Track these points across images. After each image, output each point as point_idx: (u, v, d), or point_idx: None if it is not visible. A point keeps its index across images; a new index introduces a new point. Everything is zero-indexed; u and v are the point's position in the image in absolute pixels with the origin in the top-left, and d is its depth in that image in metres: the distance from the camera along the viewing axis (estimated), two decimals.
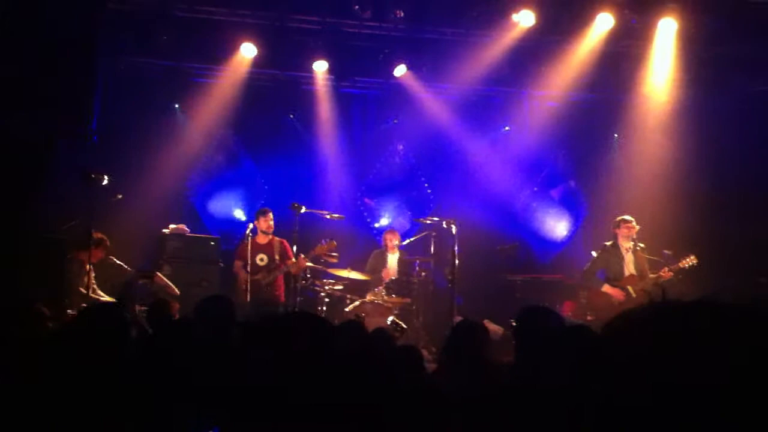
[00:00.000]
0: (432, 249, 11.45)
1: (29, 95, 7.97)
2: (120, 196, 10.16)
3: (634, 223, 10.23)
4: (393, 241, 11.61)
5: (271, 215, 10.77)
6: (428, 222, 11.15)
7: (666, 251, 10.55)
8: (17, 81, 7.93)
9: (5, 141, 8.16)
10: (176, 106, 12.37)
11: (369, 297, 10.81)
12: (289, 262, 10.53)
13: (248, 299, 10.01)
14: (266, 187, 12.97)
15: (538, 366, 3.44)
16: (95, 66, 8.33)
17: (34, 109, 8.00)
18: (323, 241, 10.63)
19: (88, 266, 9.51)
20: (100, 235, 9.67)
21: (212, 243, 11.36)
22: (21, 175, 8.40)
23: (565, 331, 3.96)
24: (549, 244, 13.60)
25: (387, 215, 13.36)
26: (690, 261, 9.88)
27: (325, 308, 10.75)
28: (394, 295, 10.88)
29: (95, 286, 9.62)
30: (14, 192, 8.36)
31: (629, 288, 9.98)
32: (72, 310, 9.11)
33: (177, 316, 6.81)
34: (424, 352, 8.01)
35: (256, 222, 10.73)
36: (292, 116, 13.00)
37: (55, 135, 8.42)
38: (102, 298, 9.57)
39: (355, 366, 1.78)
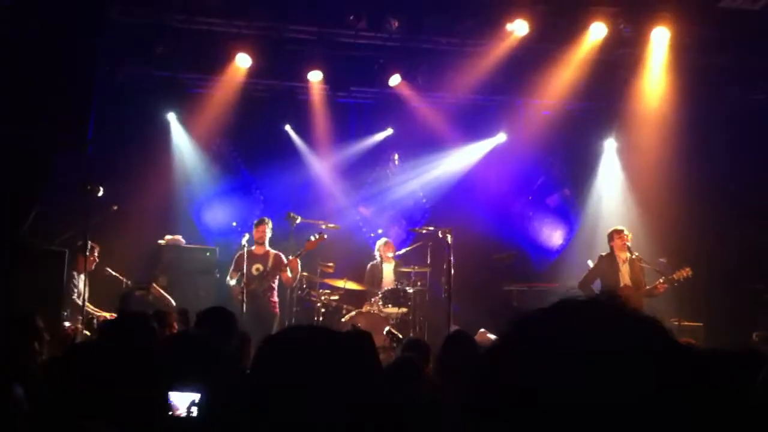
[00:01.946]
0: (428, 258, 11.47)
1: (27, 108, 7.97)
2: (115, 207, 10.16)
3: (625, 232, 10.25)
4: (387, 251, 11.62)
5: (268, 225, 10.71)
6: (424, 231, 11.15)
7: (661, 259, 10.58)
8: (15, 93, 7.92)
9: (3, 153, 8.16)
10: (172, 116, 12.38)
11: (365, 307, 10.82)
12: (283, 272, 10.49)
13: (244, 310, 9.99)
14: (262, 197, 12.98)
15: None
16: (93, 78, 8.33)
17: (31, 121, 7.99)
18: (312, 236, 10.60)
19: (82, 276, 9.51)
20: (90, 243, 9.65)
21: (208, 253, 11.37)
22: (18, 187, 8.39)
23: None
24: (545, 253, 13.63)
25: (382, 225, 13.37)
26: (685, 273, 9.90)
27: (321, 318, 10.74)
28: (390, 305, 10.87)
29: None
30: (11, 204, 8.35)
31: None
32: (67, 321, 9.10)
33: (175, 328, 6.79)
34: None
35: (254, 231, 10.73)
36: (287, 126, 13.02)
37: (52, 147, 8.42)
38: (95, 312, 9.56)
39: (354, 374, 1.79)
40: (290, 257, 10.43)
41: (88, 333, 8.71)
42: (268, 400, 1.64)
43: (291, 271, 10.47)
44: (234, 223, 12.75)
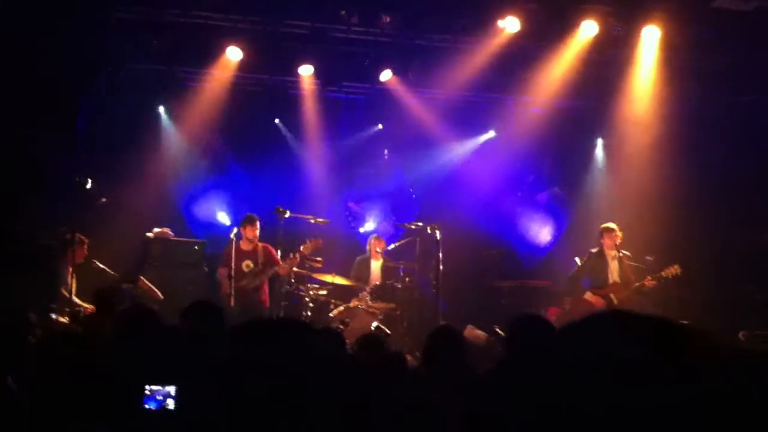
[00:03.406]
0: (417, 254, 11.47)
1: (17, 103, 7.94)
2: (104, 200, 10.11)
3: (617, 231, 10.30)
4: (377, 247, 11.62)
5: (258, 224, 10.68)
6: (413, 227, 11.14)
7: (648, 257, 10.62)
8: (5, 90, 7.89)
9: None
10: (161, 109, 12.33)
11: (353, 302, 10.81)
12: (278, 267, 10.47)
13: (232, 304, 9.95)
14: (251, 191, 12.94)
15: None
16: (93, 76, 8.30)
17: (21, 116, 7.97)
18: (308, 240, 10.58)
19: (70, 269, 9.46)
20: (79, 236, 9.60)
21: (197, 247, 11.30)
22: (9, 181, 8.37)
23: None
24: (534, 250, 13.65)
25: (372, 220, 13.36)
26: (673, 270, 9.96)
27: (309, 313, 10.73)
28: (378, 301, 10.88)
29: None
30: (3, 198, 8.33)
31: (611, 296, 10.04)
32: (56, 314, 9.06)
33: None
34: (409, 358, 8.01)
35: (242, 228, 10.68)
36: (278, 120, 13.00)
37: (41, 142, 8.39)
38: (82, 305, 9.52)
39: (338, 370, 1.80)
40: (292, 254, 10.40)
41: (74, 326, 8.67)
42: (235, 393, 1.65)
43: (287, 264, 10.46)
44: (224, 217, 12.72)
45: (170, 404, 2.82)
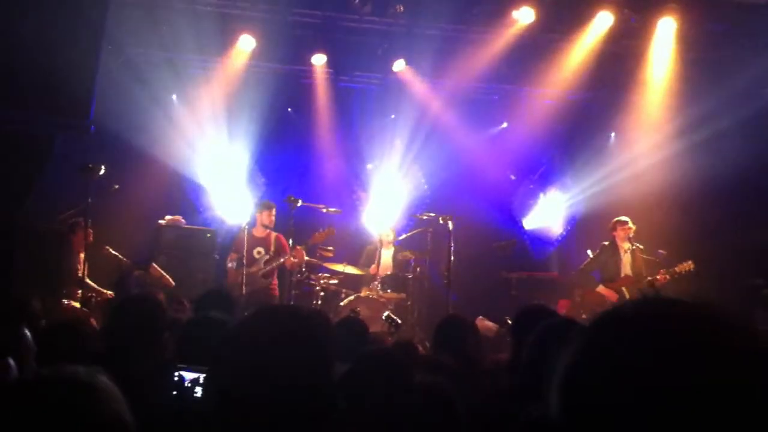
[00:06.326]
0: (428, 245, 11.46)
1: (29, 88, 7.92)
2: (116, 187, 10.13)
3: (630, 224, 10.25)
4: (388, 236, 11.61)
5: (274, 210, 10.68)
6: (424, 218, 11.13)
7: (660, 251, 10.56)
8: (17, 73, 7.88)
9: (4, 133, 8.13)
10: (174, 97, 12.34)
11: (364, 292, 10.82)
12: (287, 259, 10.44)
13: (243, 292, 9.98)
14: (263, 179, 12.95)
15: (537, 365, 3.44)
16: (97, 58, 8.28)
17: (32, 101, 7.96)
18: (321, 228, 10.58)
19: (81, 254, 9.48)
20: (84, 220, 9.59)
21: (208, 235, 11.33)
22: (19, 166, 8.36)
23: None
24: (545, 242, 13.62)
25: (383, 210, 13.35)
26: (687, 266, 9.88)
27: (319, 302, 10.74)
28: (389, 291, 10.88)
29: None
30: (12, 183, 8.33)
31: (624, 289, 10.00)
32: (68, 299, 9.11)
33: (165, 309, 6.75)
34: (419, 348, 8.00)
35: (258, 214, 10.68)
36: (290, 109, 12.99)
37: (54, 127, 8.38)
38: (95, 289, 9.55)
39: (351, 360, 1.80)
40: (297, 247, 10.38)
41: (85, 310, 8.71)
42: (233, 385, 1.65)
43: (296, 258, 10.42)
44: (236, 205, 12.72)
45: (198, 392, 2.80)
